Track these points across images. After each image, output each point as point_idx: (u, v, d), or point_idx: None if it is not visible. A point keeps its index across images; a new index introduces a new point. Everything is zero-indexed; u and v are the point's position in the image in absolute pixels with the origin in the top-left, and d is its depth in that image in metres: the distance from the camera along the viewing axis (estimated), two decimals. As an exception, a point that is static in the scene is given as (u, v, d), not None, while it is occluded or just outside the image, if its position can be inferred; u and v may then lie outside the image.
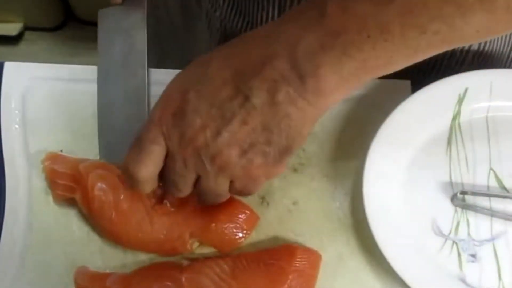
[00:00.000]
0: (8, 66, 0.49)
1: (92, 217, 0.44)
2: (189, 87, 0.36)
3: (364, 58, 0.33)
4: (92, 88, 0.49)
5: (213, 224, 0.43)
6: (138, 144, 0.37)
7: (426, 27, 0.32)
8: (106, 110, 0.47)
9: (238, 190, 0.38)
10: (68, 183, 0.44)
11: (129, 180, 0.38)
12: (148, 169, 0.37)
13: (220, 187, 0.37)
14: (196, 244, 0.44)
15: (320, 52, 0.33)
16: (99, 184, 0.43)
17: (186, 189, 0.38)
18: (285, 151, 0.36)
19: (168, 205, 0.44)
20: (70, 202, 0.45)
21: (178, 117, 0.36)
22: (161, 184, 0.39)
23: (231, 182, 0.37)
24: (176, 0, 0.67)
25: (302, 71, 0.34)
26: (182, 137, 0.35)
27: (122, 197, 0.43)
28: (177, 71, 0.39)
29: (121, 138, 0.45)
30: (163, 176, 0.38)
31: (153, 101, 0.39)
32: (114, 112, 0.47)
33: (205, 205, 0.41)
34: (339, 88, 0.35)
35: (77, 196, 0.44)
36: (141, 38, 0.48)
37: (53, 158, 0.46)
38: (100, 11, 0.49)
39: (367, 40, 0.33)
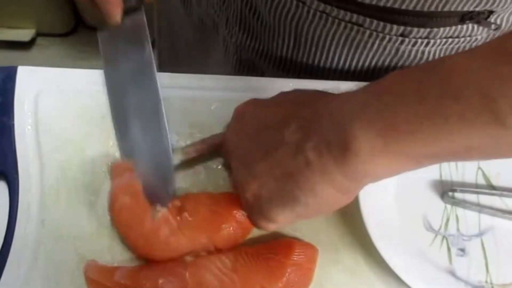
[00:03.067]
0: (21, 70, 0.49)
1: None
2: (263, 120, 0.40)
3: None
4: (101, 91, 0.49)
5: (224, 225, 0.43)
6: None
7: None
8: (121, 118, 0.47)
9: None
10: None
11: None
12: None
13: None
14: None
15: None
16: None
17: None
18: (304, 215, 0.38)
19: (187, 215, 0.43)
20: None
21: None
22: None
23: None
24: (193, 25, 0.66)
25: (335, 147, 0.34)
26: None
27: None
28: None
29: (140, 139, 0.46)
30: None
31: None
32: (130, 120, 0.47)
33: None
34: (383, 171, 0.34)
35: None
36: (147, 50, 0.48)
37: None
38: (99, 33, 0.48)
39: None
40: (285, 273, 0.42)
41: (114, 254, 0.43)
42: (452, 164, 0.49)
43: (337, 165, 0.34)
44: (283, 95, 0.42)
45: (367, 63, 0.53)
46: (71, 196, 0.45)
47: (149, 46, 0.48)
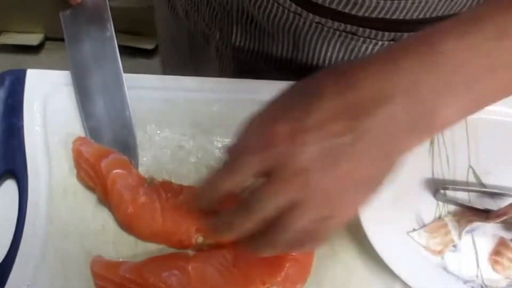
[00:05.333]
0: (30, 73, 0.49)
1: (109, 207, 0.44)
2: (299, 117, 0.31)
3: (483, 92, 0.32)
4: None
5: None
6: (229, 166, 0.33)
7: None
8: (86, 98, 0.48)
9: (314, 233, 0.34)
10: (89, 170, 0.44)
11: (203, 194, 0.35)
12: (232, 185, 0.33)
13: (302, 223, 0.32)
14: (200, 239, 0.43)
15: (442, 91, 0.31)
16: (118, 183, 0.43)
17: (263, 214, 0.33)
18: (381, 184, 0.34)
19: (181, 199, 0.43)
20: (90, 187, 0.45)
21: (284, 148, 0.31)
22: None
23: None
24: (184, 37, 0.66)
25: (421, 112, 0.31)
26: (288, 167, 0.31)
27: (141, 192, 0.43)
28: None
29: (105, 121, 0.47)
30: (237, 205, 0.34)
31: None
32: (95, 99, 0.48)
33: (254, 250, 0.36)
34: (456, 121, 0.33)
35: (97, 189, 0.44)
36: (109, 27, 0.49)
37: (82, 140, 0.46)
38: (61, 14, 0.49)
39: (487, 73, 0.31)
40: (283, 267, 0.41)
41: (119, 250, 0.43)
42: (444, 163, 0.49)
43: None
44: (296, 94, 0.34)
45: None
46: (78, 194, 0.45)
47: (110, 25, 0.49)
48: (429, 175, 0.48)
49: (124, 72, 0.50)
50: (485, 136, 0.50)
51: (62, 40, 0.49)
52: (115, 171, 0.44)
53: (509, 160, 0.50)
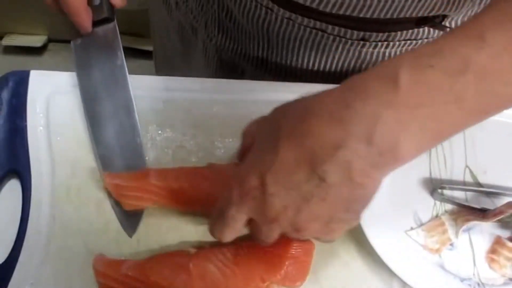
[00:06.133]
0: (33, 74, 0.49)
1: None
2: (264, 170, 0.33)
3: (440, 128, 0.32)
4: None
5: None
6: (221, 219, 0.36)
7: (500, 91, 0.31)
8: (98, 125, 0.47)
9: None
10: (138, 195, 0.44)
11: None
12: (232, 236, 0.37)
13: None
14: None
15: (398, 128, 0.31)
16: None
17: (272, 239, 0.37)
18: (362, 210, 0.35)
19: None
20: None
21: (258, 200, 0.34)
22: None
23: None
24: (176, 30, 0.67)
25: (380, 149, 0.31)
26: (266, 217, 0.34)
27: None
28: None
29: (116, 150, 0.46)
30: (251, 229, 0.37)
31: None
32: (106, 127, 0.47)
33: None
34: (415, 154, 0.33)
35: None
36: (119, 55, 0.48)
37: (110, 176, 0.45)
38: (72, 43, 0.48)
39: (444, 111, 0.31)
40: (283, 265, 0.42)
41: (121, 248, 0.43)
42: (442, 162, 0.49)
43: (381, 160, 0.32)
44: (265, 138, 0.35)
45: (334, 64, 0.54)
46: (81, 194, 0.45)
47: (121, 53, 0.48)
48: (427, 175, 0.48)
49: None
50: (482, 136, 0.50)
51: (65, 42, 0.49)
52: None
53: (505, 160, 0.50)
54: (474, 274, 0.44)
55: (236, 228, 0.36)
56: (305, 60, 0.54)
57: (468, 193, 0.48)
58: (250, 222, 0.36)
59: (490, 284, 0.44)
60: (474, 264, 0.45)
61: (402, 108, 0.31)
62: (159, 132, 0.48)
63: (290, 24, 0.49)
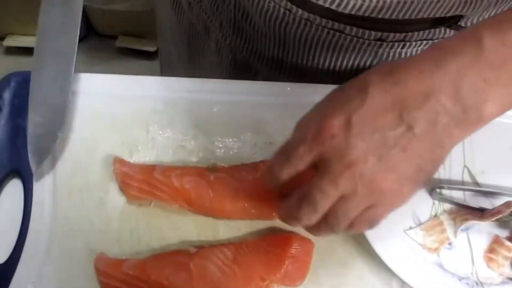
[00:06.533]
0: (35, 74, 0.49)
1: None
2: (351, 111, 0.33)
3: None
4: (110, 94, 0.49)
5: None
6: (286, 155, 0.35)
7: None
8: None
9: (373, 218, 0.36)
10: (142, 187, 0.44)
11: (268, 175, 0.37)
12: (290, 174, 0.35)
13: (356, 212, 0.35)
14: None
15: (484, 86, 0.32)
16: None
17: (322, 210, 0.35)
18: (431, 173, 0.35)
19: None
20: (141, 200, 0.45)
21: (339, 139, 0.33)
22: None
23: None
24: (185, 30, 0.66)
25: (466, 105, 0.32)
26: (341, 159, 0.33)
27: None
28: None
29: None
30: (299, 195, 0.35)
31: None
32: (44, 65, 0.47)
33: (319, 235, 0.38)
34: (498, 115, 0.33)
35: (163, 197, 0.45)
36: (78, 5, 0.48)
37: (121, 162, 0.46)
38: None
39: None
40: (283, 265, 0.42)
41: (122, 248, 0.43)
42: (440, 163, 0.49)
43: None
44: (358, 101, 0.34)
45: (350, 64, 0.54)
46: (82, 193, 0.45)
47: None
48: (425, 175, 0.48)
49: (127, 73, 0.50)
50: (480, 137, 0.50)
51: (66, 43, 0.49)
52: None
53: (503, 160, 0.50)
54: (472, 273, 0.44)
55: (297, 169, 0.35)
56: (321, 60, 0.54)
57: (466, 193, 0.48)
58: (310, 177, 0.35)
59: (488, 283, 0.44)
60: (473, 263, 0.45)
61: (487, 67, 0.32)
62: (160, 132, 0.48)
63: (308, 25, 0.49)
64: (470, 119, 0.33)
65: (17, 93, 0.48)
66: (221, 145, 0.48)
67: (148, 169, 0.45)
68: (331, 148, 0.33)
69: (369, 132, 0.32)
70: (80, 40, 0.48)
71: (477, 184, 0.48)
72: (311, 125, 0.34)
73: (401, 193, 0.35)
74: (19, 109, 0.47)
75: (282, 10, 0.48)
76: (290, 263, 0.42)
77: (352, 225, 0.36)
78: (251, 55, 0.57)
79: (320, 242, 0.44)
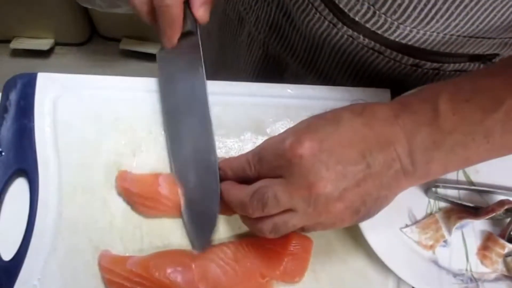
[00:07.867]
0: (40, 76, 0.49)
1: None
2: (323, 138, 0.35)
3: (467, 156, 0.35)
4: (113, 95, 0.49)
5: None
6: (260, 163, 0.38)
7: None
8: (175, 139, 0.46)
9: (307, 230, 0.38)
10: (146, 203, 0.44)
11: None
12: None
13: (293, 227, 0.37)
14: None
15: (432, 147, 0.35)
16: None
17: (267, 213, 0.36)
18: (368, 215, 0.37)
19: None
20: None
21: (306, 161, 0.35)
22: None
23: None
24: (217, 17, 0.64)
25: (415, 160, 0.35)
26: (304, 178, 0.35)
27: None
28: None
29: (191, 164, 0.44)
30: (256, 188, 0.37)
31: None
32: (183, 142, 0.45)
33: (246, 225, 0.41)
34: (442, 174, 0.36)
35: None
36: (200, 71, 0.47)
37: (124, 175, 0.45)
38: (158, 53, 0.48)
39: (472, 141, 0.34)
40: (282, 262, 0.42)
41: (126, 245, 0.43)
42: (435, 162, 0.49)
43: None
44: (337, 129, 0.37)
45: (379, 81, 0.53)
46: (87, 192, 0.45)
47: (202, 69, 0.47)
48: (421, 174, 0.48)
49: (130, 75, 0.50)
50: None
51: (71, 45, 0.49)
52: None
53: (497, 159, 0.50)
54: (466, 270, 0.44)
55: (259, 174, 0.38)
56: (353, 73, 0.54)
57: (461, 191, 0.48)
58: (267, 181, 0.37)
59: (482, 279, 0.44)
60: (467, 260, 0.45)
61: (438, 130, 0.34)
62: (162, 132, 0.48)
63: (349, 40, 0.49)
64: (417, 173, 0.35)
65: (23, 94, 0.48)
66: (221, 145, 0.48)
67: (150, 184, 0.44)
68: (298, 165, 0.35)
69: (334, 162, 0.35)
70: (84, 43, 0.48)
71: (471, 183, 0.48)
72: (287, 142, 0.36)
73: (342, 220, 0.36)
74: (25, 110, 0.48)
75: (326, 22, 0.48)
76: (289, 260, 0.42)
77: (275, 231, 0.37)
78: (284, 51, 0.57)
79: (319, 239, 0.44)
